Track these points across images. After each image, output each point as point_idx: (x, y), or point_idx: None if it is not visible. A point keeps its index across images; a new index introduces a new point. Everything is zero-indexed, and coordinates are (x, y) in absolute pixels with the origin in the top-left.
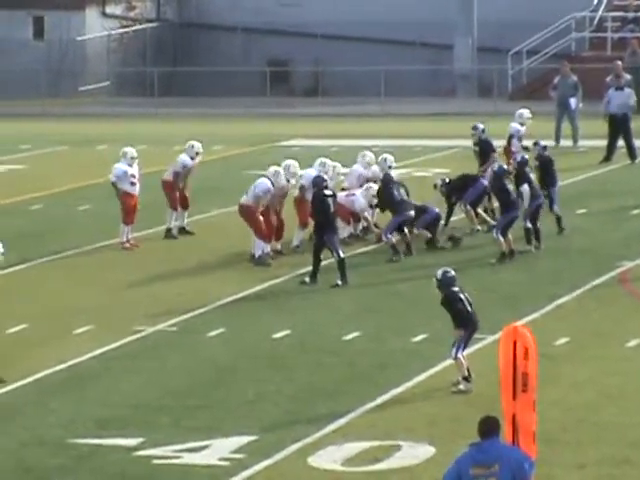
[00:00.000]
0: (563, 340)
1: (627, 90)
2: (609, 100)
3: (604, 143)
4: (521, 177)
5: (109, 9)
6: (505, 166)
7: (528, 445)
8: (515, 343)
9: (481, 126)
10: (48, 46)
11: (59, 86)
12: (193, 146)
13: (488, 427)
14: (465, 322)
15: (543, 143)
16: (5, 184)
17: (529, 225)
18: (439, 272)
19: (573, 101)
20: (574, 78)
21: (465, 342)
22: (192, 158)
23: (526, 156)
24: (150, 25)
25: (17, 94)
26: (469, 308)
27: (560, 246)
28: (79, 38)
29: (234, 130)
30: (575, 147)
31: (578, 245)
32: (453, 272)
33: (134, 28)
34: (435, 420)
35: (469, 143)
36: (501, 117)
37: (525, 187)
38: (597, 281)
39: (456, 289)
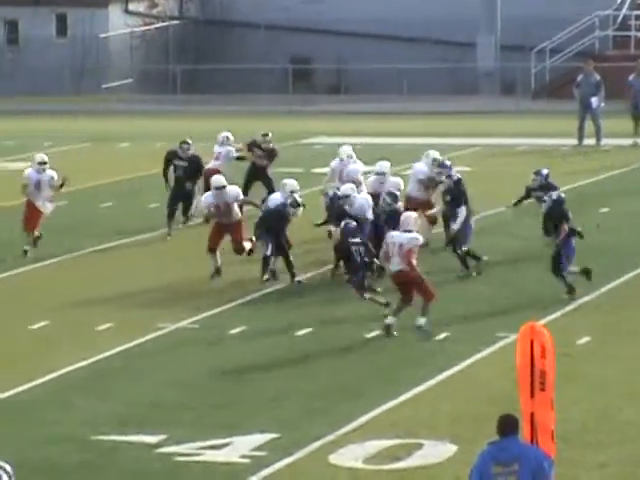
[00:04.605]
0: (585, 339)
1: None
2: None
3: (627, 142)
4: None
5: (132, 6)
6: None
7: (547, 444)
8: (532, 341)
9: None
10: (71, 43)
11: (82, 83)
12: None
13: (507, 425)
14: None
15: (454, 172)
16: None
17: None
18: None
19: (595, 100)
20: (597, 77)
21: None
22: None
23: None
24: (173, 22)
25: (40, 91)
26: (357, 258)
27: (582, 245)
28: (102, 35)
29: (256, 128)
30: (598, 146)
31: (600, 244)
32: (355, 224)
33: (157, 25)
34: (457, 418)
35: (491, 141)
36: (523, 115)
37: (462, 209)
38: (619, 280)
39: (356, 240)
